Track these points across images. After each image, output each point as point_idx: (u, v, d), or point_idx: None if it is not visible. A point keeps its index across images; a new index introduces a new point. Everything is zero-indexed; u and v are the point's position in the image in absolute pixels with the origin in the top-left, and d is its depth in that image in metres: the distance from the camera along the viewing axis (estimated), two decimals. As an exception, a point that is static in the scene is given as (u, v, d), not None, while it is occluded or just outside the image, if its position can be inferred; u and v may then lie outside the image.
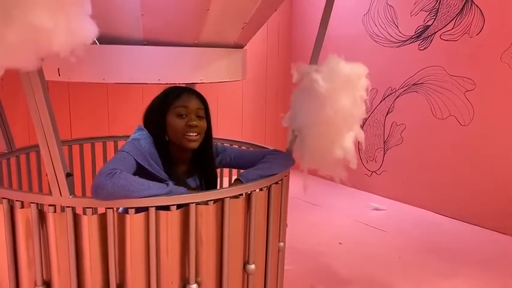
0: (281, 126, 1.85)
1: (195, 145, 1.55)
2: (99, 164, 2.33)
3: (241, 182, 1.55)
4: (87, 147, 2.36)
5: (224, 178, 2.28)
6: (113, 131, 3.56)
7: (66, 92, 3.39)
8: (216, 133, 1.84)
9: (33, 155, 2.13)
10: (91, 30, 1.04)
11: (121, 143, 2.14)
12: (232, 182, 1.59)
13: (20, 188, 2.06)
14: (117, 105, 3.67)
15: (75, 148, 2.32)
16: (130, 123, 1.66)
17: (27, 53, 0.96)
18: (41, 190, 2.20)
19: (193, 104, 1.55)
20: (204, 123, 1.58)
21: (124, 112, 3.68)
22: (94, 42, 1.41)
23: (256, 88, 4.76)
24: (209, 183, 1.69)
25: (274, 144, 2.14)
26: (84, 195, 2.32)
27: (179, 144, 1.54)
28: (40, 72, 1.16)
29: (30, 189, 2.12)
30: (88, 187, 2.37)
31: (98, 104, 3.58)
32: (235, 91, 4.56)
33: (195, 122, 1.53)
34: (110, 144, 2.43)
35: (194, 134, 1.53)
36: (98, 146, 2.40)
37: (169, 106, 1.54)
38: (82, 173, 2.35)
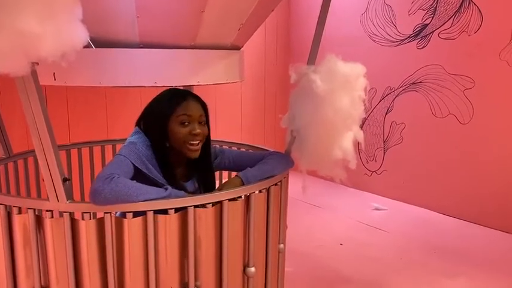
0: (280, 128, 1.84)
1: (196, 155, 1.54)
2: (98, 168, 2.32)
3: (240, 179, 1.54)
4: (85, 151, 2.35)
5: (223, 180, 2.27)
6: (112, 134, 3.55)
7: (64, 96, 3.38)
8: (215, 135, 1.83)
9: (31, 160, 2.11)
10: (81, 36, 1.03)
11: (120, 147, 2.13)
12: (231, 178, 1.59)
13: (18, 193, 2.05)
14: (116, 109, 3.66)
15: (74, 152, 2.31)
16: (129, 126, 1.64)
17: (16, 58, 0.96)
18: (39, 195, 2.18)
19: (197, 111, 1.53)
20: (205, 130, 1.57)
21: (123, 116, 3.67)
22: (89, 46, 1.40)
23: (254, 89, 4.75)
24: (207, 186, 1.68)
25: (274, 145, 2.14)
26: (83, 200, 2.31)
27: (180, 152, 1.53)
28: (35, 76, 1.15)
29: (29, 195, 2.11)
30: (87, 192, 2.37)
31: (96, 107, 3.57)
32: (233, 93, 4.55)
33: (198, 130, 1.51)
34: (109, 148, 2.42)
35: (196, 142, 1.51)
36: (97, 150, 2.39)
37: (172, 113, 1.50)
38: (80, 177, 2.34)
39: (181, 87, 1.74)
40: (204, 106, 1.58)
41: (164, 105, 1.54)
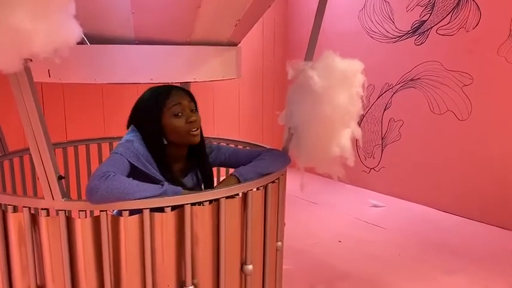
0: (278, 124, 1.83)
1: (198, 139, 1.55)
2: (95, 166, 2.30)
3: (236, 178, 1.54)
4: (82, 149, 2.33)
5: (221, 178, 2.25)
6: (109, 132, 3.53)
7: (60, 93, 3.36)
8: (213, 132, 1.82)
9: (27, 158, 2.10)
10: (75, 32, 1.01)
11: (116, 145, 2.12)
12: (226, 177, 1.58)
13: (14, 192, 2.03)
14: (113, 106, 3.64)
15: (70, 150, 2.29)
16: (126, 124, 1.63)
17: (8, 55, 0.94)
18: (35, 194, 2.17)
19: (185, 99, 1.54)
20: (199, 116, 1.57)
21: (119, 113, 3.65)
22: (84, 42, 1.38)
23: (252, 86, 4.74)
24: (206, 179, 1.67)
25: (272, 142, 2.12)
26: (80, 197, 2.29)
27: (182, 143, 1.52)
28: (28, 73, 1.14)
29: (25, 193, 2.10)
30: (83, 190, 2.36)
31: (93, 104, 3.55)
32: (231, 89, 4.53)
33: (194, 118, 1.52)
34: (105, 146, 2.40)
35: (195, 129, 1.52)
36: (93, 147, 2.37)
37: (163, 107, 1.49)
38: (77, 175, 2.33)
39: (178, 84, 1.72)
40: (190, 95, 1.59)
41: (153, 102, 1.52)
